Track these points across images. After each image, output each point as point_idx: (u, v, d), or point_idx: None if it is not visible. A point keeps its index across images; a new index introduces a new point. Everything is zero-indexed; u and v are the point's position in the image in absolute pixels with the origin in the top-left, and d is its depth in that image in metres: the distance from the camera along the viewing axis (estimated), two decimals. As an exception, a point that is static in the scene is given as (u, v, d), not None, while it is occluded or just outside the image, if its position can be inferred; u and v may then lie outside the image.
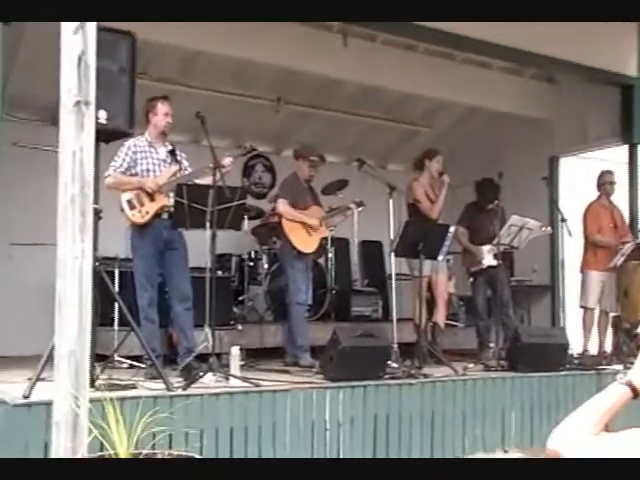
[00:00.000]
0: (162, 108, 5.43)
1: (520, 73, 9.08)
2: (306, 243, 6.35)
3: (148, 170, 5.39)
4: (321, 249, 6.83)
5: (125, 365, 5.31)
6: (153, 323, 5.31)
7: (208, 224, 5.00)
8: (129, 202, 5.27)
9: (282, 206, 6.35)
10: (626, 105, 8.45)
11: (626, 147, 8.54)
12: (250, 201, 7.77)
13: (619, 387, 1.78)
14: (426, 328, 6.73)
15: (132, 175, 5.35)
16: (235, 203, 5.10)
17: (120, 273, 6.01)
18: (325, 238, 6.77)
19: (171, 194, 5.21)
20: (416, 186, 6.87)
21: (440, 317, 6.89)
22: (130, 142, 5.35)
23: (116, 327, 5.83)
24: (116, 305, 5.36)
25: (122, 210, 5.27)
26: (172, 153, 5.48)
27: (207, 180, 5.12)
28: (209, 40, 6.65)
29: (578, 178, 8.98)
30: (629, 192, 8.36)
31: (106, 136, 4.40)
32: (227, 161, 5.30)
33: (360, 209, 6.63)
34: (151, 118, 5.46)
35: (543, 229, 6.84)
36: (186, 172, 5.47)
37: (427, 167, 6.91)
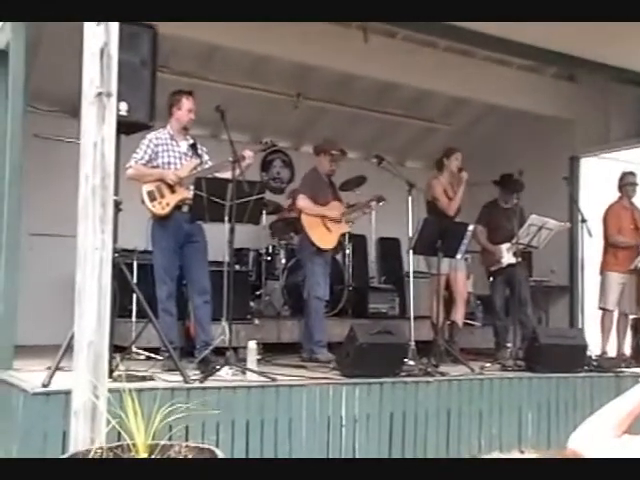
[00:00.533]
0: (187, 103, 5.47)
1: (541, 71, 9.01)
2: (325, 239, 6.35)
3: (169, 163, 5.42)
4: (339, 245, 6.81)
5: (142, 357, 5.33)
6: (171, 315, 5.34)
7: (227, 218, 5.01)
8: (150, 193, 5.30)
9: (302, 201, 6.35)
10: (648, 105, 8.39)
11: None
12: (268, 196, 7.74)
13: None
14: (444, 326, 6.71)
15: (153, 167, 5.39)
16: (254, 197, 5.11)
17: (138, 265, 6.04)
18: (344, 234, 6.74)
19: (191, 187, 5.22)
20: (435, 184, 6.87)
21: (458, 316, 6.87)
22: (152, 135, 5.39)
23: (134, 319, 5.87)
24: (134, 297, 5.40)
25: (142, 202, 5.30)
26: (193, 147, 5.52)
27: (227, 174, 5.14)
28: (228, 35, 6.64)
29: (598, 179, 8.90)
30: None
31: (126, 128, 4.43)
32: (248, 153, 5.31)
33: (381, 204, 6.60)
34: (174, 112, 5.50)
35: (562, 224, 6.80)
36: (206, 166, 5.48)
37: (446, 165, 6.90)
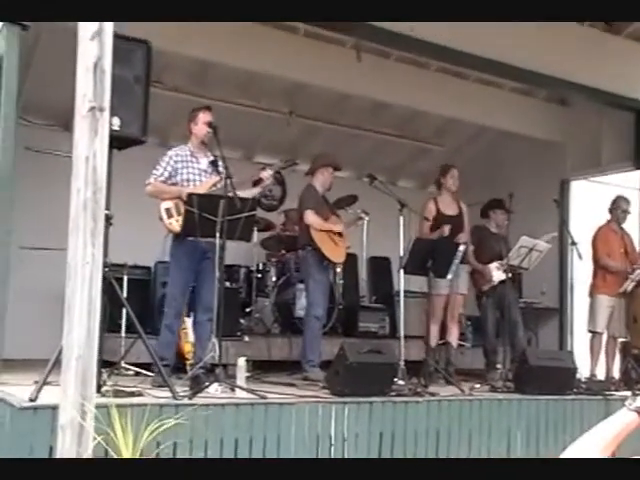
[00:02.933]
0: (202, 117, 5.48)
1: (532, 94, 9.12)
2: (336, 253, 6.44)
3: (188, 180, 5.44)
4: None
5: (131, 372, 5.30)
6: (173, 334, 5.36)
7: (218, 234, 5.01)
8: (167, 210, 5.32)
9: (310, 217, 6.37)
10: (639, 130, 8.44)
11: (638, 172, 8.53)
12: (259, 213, 7.77)
13: (627, 414, 1.76)
14: (439, 348, 6.71)
15: (172, 184, 5.40)
16: (245, 214, 5.12)
17: (129, 280, 6.02)
18: (348, 247, 6.80)
19: None
20: (426, 203, 6.87)
21: (453, 337, 6.88)
22: (172, 152, 5.44)
23: (123, 334, 5.84)
24: (124, 312, 5.37)
25: (160, 219, 5.31)
26: (213, 163, 5.51)
27: (248, 192, 5.17)
28: (222, 51, 6.70)
29: (589, 202, 8.96)
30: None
31: (119, 143, 4.44)
32: (265, 174, 5.34)
33: (367, 218, 6.69)
34: (192, 127, 5.53)
35: (549, 238, 6.82)
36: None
37: (443, 184, 6.91)
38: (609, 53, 7.34)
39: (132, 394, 4.37)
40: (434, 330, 6.72)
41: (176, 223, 5.29)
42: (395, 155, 9.91)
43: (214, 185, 5.41)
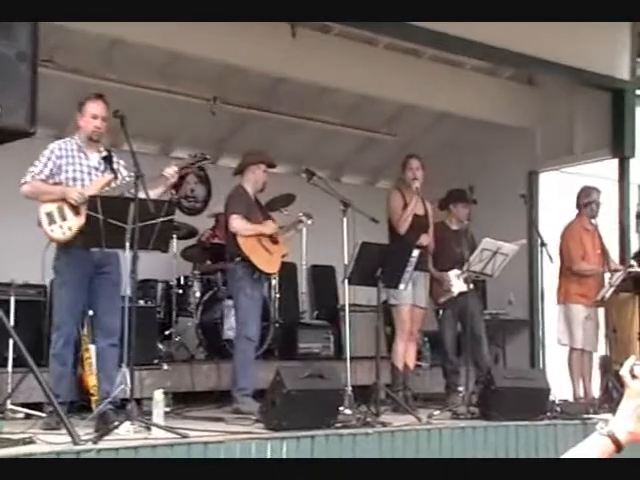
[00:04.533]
0: (89, 108, 5.35)
1: (496, 73, 9.24)
2: (268, 263, 6.40)
3: (75, 179, 5.32)
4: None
5: (20, 415, 5.20)
6: (64, 365, 5.23)
7: (128, 244, 4.95)
8: (49, 215, 5.17)
9: (236, 222, 6.32)
10: (617, 113, 8.63)
11: (616, 161, 8.71)
12: (180, 218, 7.71)
13: (600, 438, 1.79)
14: (404, 370, 6.76)
15: (55, 184, 5.27)
16: (161, 219, 5.06)
17: (17, 302, 5.85)
18: (285, 255, 6.74)
19: None
20: (392, 197, 6.92)
21: (410, 357, 6.92)
22: (55, 144, 5.31)
23: (10, 368, 5.62)
24: (11, 341, 5.21)
25: (40, 225, 5.17)
26: (107, 159, 5.40)
27: (152, 193, 5.09)
28: (132, 27, 6.57)
29: (560, 196, 9.10)
30: (619, 213, 8.51)
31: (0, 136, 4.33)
32: (170, 170, 5.28)
33: (310, 222, 6.66)
34: (79, 119, 5.41)
35: (517, 245, 6.92)
36: (124, 182, 5.38)
37: (404, 180, 6.98)
38: (581, 25, 7.46)
39: (21, 442, 4.22)
40: (401, 348, 6.75)
41: (59, 230, 5.16)
42: (339, 147, 9.95)
43: (107, 184, 5.33)
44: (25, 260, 5.35)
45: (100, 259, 5.23)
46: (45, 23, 4.62)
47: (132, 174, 5.10)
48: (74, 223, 5.17)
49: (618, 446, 1.78)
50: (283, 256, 6.69)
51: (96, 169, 5.41)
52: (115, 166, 5.44)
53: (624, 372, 1.81)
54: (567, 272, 7.50)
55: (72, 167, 5.33)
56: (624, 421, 1.79)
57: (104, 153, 5.44)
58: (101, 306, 5.31)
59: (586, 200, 7.58)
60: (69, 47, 7.31)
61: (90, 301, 5.32)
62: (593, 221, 7.58)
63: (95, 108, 5.35)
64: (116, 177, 5.40)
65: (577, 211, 7.65)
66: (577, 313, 7.43)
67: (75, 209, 5.19)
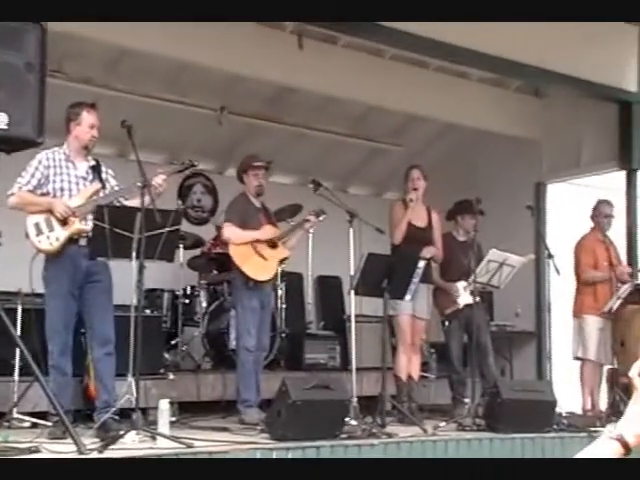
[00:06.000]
0: (88, 118, 5.34)
1: (503, 85, 9.24)
2: (261, 270, 6.30)
3: (62, 189, 5.29)
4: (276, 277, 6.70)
5: (27, 424, 5.19)
6: (64, 375, 5.22)
7: (134, 254, 4.95)
8: (36, 226, 5.16)
9: (227, 230, 6.33)
10: (624, 125, 8.62)
11: (623, 173, 8.70)
12: (187, 227, 7.72)
13: (609, 442, 1.78)
14: (408, 381, 6.74)
15: (43, 194, 5.25)
16: (167, 229, 5.07)
17: (23, 311, 5.86)
18: (285, 259, 6.66)
19: (90, 217, 5.14)
20: (393, 207, 6.93)
21: (414, 368, 6.90)
22: (42, 155, 5.27)
23: (16, 377, 5.62)
24: (17, 350, 5.22)
25: (27, 236, 5.16)
26: (95, 169, 5.40)
27: (136, 202, 5.08)
28: (140, 36, 6.62)
29: (567, 207, 9.10)
30: (627, 225, 8.48)
31: (7, 145, 4.37)
32: (159, 179, 5.26)
33: (321, 218, 6.53)
34: (72, 128, 5.37)
35: (525, 258, 6.91)
36: (113, 191, 5.39)
37: (406, 190, 6.97)
38: (589, 37, 7.47)
39: (27, 451, 4.24)
40: (404, 360, 6.75)
41: (46, 241, 5.14)
42: (346, 158, 9.96)
43: (95, 194, 5.31)
44: (34, 269, 5.33)
45: (89, 267, 5.21)
46: (53, 33, 4.62)
47: (138, 183, 5.10)
48: (61, 234, 5.16)
49: (627, 449, 1.77)
50: (283, 260, 6.59)
51: (84, 179, 5.38)
52: (104, 176, 5.42)
53: (633, 374, 1.81)
54: (581, 285, 7.52)
55: (60, 177, 5.30)
56: (633, 424, 1.78)
57: (92, 162, 5.42)
58: (94, 315, 5.28)
59: (599, 213, 7.63)
60: (78, 57, 7.36)
61: (82, 311, 5.29)
62: (606, 234, 7.62)
63: (93, 118, 5.35)
64: (104, 187, 5.37)
65: (592, 224, 7.67)
66: (591, 325, 7.42)
67: (62, 220, 5.18)
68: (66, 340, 5.23)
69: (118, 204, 5.32)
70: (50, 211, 5.18)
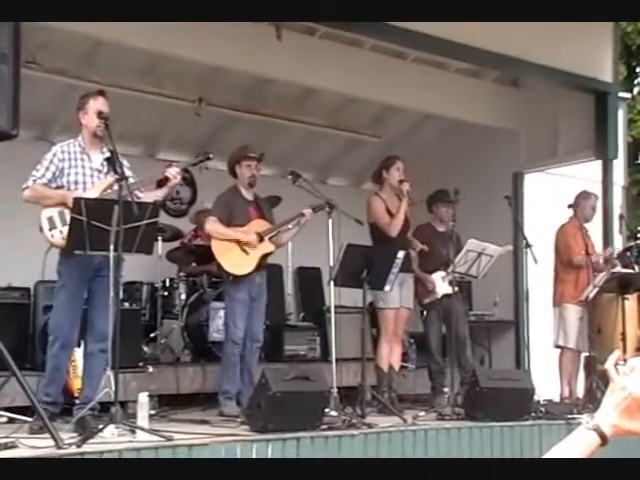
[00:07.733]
0: (94, 105, 5.29)
1: (481, 76, 9.26)
2: (241, 264, 6.24)
3: (77, 182, 5.26)
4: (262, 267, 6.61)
5: (3, 419, 5.15)
6: (59, 370, 5.21)
7: (112, 247, 4.92)
8: (50, 220, 5.13)
9: (209, 224, 6.30)
10: (600, 115, 8.67)
11: (599, 163, 8.75)
12: (166, 220, 7.68)
13: (585, 433, 1.78)
14: (389, 372, 6.74)
15: (58, 187, 5.22)
16: (145, 222, 5.04)
17: (1, 305, 5.81)
18: (269, 254, 6.57)
19: None
20: (373, 201, 6.86)
21: (395, 358, 6.91)
22: (57, 147, 5.26)
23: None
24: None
25: (41, 230, 5.13)
26: (110, 161, 5.31)
27: (151, 195, 5.07)
28: (115, 28, 6.53)
29: (545, 197, 9.14)
30: (603, 215, 8.52)
31: (-20, 138, 4.31)
32: (172, 172, 5.25)
33: (320, 213, 6.38)
34: (82, 117, 5.33)
35: (503, 248, 6.94)
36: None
37: (386, 179, 6.92)
38: (565, 28, 7.50)
39: (3, 446, 4.21)
40: (386, 349, 6.75)
41: (60, 235, 5.12)
42: (324, 149, 9.95)
43: (109, 187, 5.27)
44: (8, 262, 5.31)
45: (101, 262, 5.15)
46: (28, 24, 4.58)
47: (116, 176, 5.07)
48: None
49: (603, 440, 1.78)
50: (267, 255, 6.51)
51: (99, 171, 5.35)
52: (118, 167, 5.37)
53: (609, 366, 1.82)
54: (561, 273, 7.55)
55: (74, 170, 5.27)
56: (609, 415, 1.79)
57: (107, 154, 5.36)
58: (97, 311, 5.23)
59: (583, 204, 7.66)
60: (53, 48, 7.27)
61: (87, 304, 5.29)
62: (585, 225, 7.67)
63: (100, 104, 5.29)
64: (121, 179, 5.21)
65: (573, 212, 7.68)
66: (571, 313, 7.48)
67: None
68: (69, 334, 5.21)
69: (92, 197, 5.25)
70: (64, 204, 5.13)
